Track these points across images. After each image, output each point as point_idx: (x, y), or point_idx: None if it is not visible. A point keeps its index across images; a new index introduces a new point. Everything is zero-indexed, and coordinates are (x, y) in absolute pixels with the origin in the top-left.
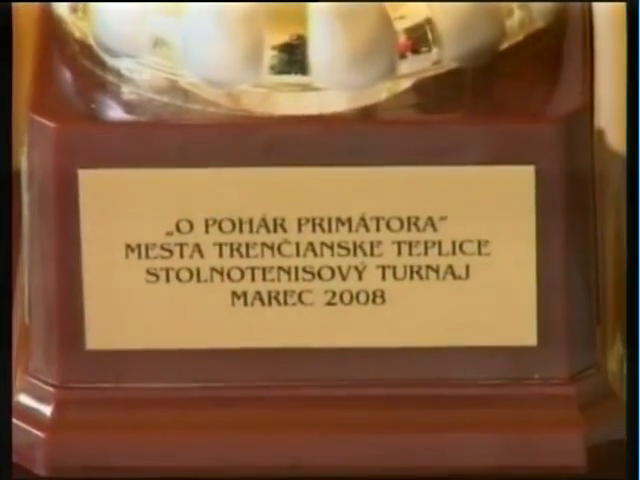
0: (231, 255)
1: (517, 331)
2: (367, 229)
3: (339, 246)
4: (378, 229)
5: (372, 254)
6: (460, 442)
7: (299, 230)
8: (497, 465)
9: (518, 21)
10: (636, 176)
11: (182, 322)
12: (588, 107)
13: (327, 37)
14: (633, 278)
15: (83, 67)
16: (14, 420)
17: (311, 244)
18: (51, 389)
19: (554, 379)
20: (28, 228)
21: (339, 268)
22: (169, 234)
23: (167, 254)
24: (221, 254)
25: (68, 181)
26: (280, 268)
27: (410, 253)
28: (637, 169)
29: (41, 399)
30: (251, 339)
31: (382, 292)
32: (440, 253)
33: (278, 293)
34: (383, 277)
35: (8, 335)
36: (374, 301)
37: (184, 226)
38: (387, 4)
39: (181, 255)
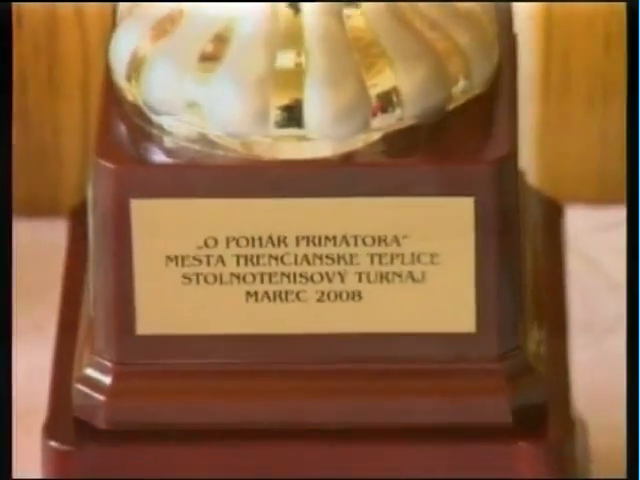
0: (245, 264)
1: (460, 321)
2: (347, 244)
3: (326, 257)
4: (356, 244)
5: (351, 263)
6: (415, 404)
7: (297, 245)
8: (443, 422)
9: (462, 88)
10: (636, 176)
11: (209, 314)
12: (514, 153)
13: (318, 100)
14: (633, 278)
15: (135, 122)
16: (82, 387)
17: (305, 255)
18: (110, 364)
19: (487, 357)
20: (92, 245)
21: (326, 273)
22: (199, 248)
23: (197, 263)
24: (238, 263)
25: (123, 208)
26: (282, 273)
27: (380, 262)
28: (637, 168)
29: (102, 372)
30: (260, 327)
31: (359, 292)
32: (402, 263)
33: (281, 292)
34: (360, 280)
35: (8, 336)
36: (353, 299)
37: (210, 242)
38: (364, 74)
39: (208, 264)
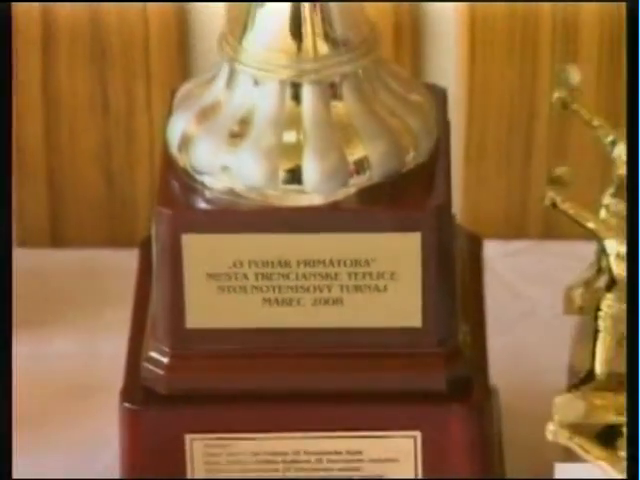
0: (262, 279)
1: (411, 319)
2: (333, 266)
3: (318, 274)
4: (339, 266)
5: (335, 279)
6: (380, 376)
7: (297, 266)
8: (399, 388)
9: (412, 157)
10: (636, 176)
11: (236, 314)
12: (448, 202)
13: (312, 166)
14: (633, 279)
15: (184, 181)
16: (148, 365)
17: (304, 273)
18: (167, 349)
19: (429, 344)
20: (155, 266)
21: (318, 286)
22: (229, 268)
23: (228, 278)
24: (257, 279)
25: (176, 240)
26: (288, 286)
27: (355, 278)
28: (637, 168)
29: (162, 354)
30: (272, 323)
31: (341, 299)
32: (371, 279)
33: (286, 299)
34: (341, 291)
35: (8, 337)
36: (336, 304)
37: (237, 264)
38: (344, 147)
39: (236, 279)
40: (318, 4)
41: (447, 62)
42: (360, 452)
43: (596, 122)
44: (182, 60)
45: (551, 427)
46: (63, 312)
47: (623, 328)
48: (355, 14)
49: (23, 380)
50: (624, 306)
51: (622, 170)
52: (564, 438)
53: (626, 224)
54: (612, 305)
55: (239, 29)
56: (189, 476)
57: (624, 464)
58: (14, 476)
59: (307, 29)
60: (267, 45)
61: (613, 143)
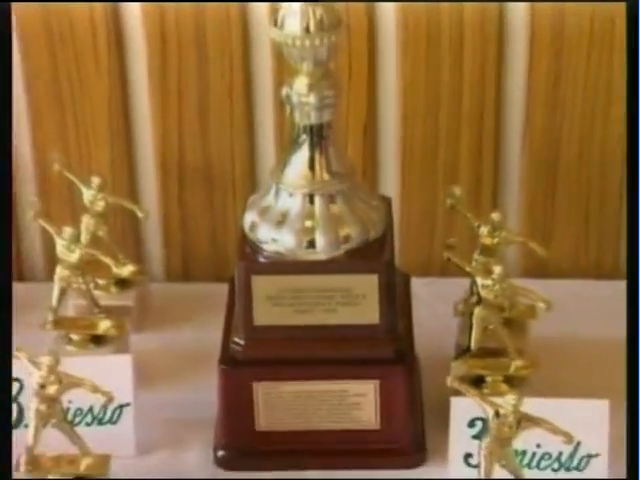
0: (293, 298)
1: (373, 319)
2: (331, 291)
3: (323, 296)
4: (334, 291)
5: (332, 298)
6: (351, 351)
7: (312, 291)
8: (365, 356)
9: (373, 234)
10: (636, 176)
11: (283, 316)
12: (393, 258)
13: (321, 240)
14: (633, 280)
15: (252, 245)
16: (233, 345)
17: (316, 296)
18: (243, 336)
19: (383, 332)
20: (237, 293)
21: (323, 302)
22: (277, 292)
23: (276, 298)
24: (291, 298)
25: (248, 279)
26: (307, 302)
27: (343, 298)
28: (637, 168)
29: (240, 339)
30: (299, 322)
31: (336, 309)
32: (352, 298)
33: (306, 310)
34: (336, 305)
35: (8, 338)
36: (333, 312)
37: (281, 291)
38: (338, 230)
39: (280, 298)
40: (324, 153)
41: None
42: (346, 391)
43: (469, 215)
44: None
45: (449, 379)
46: (196, 315)
47: (486, 324)
48: (343, 158)
49: (166, 353)
50: (485, 312)
51: (483, 240)
52: (456, 384)
53: (626, 224)
54: (480, 312)
55: (280, 166)
56: (255, 405)
57: (488, 398)
58: None
59: (317, 167)
60: (295, 175)
61: (478, 227)
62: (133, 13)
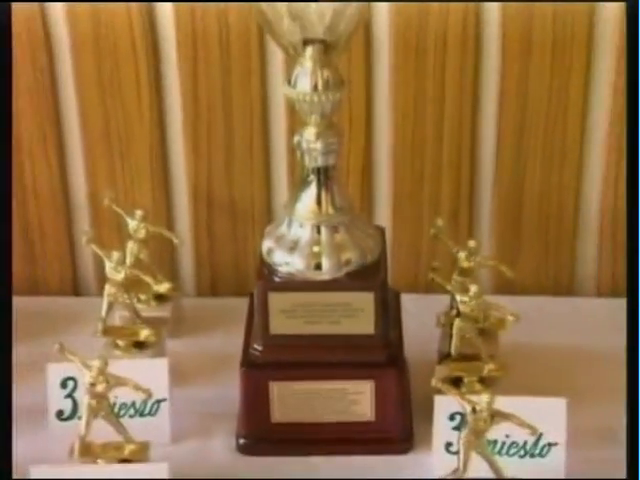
0: (304, 312)
1: (369, 329)
2: (335, 305)
3: (328, 310)
4: (337, 305)
5: (336, 312)
6: (349, 354)
7: (319, 305)
8: (362, 360)
9: (370, 258)
10: (636, 176)
11: (293, 327)
12: (386, 277)
13: (326, 263)
14: (633, 281)
15: (269, 268)
16: (253, 352)
17: (322, 309)
18: (261, 343)
19: (378, 339)
20: (255, 306)
21: (328, 315)
22: (290, 307)
23: (289, 311)
24: (302, 311)
25: (265, 294)
26: (315, 315)
27: (344, 311)
28: (637, 167)
29: (259, 345)
30: (308, 332)
31: (339, 321)
32: (352, 311)
33: (314, 321)
34: (339, 317)
35: (8, 338)
36: (336, 323)
37: (293, 305)
38: (340, 254)
39: (293, 311)
40: (329, 191)
41: None
42: (347, 389)
43: (450, 243)
44: None
45: (434, 380)
46: (221, 325)
47: (464, 333)
48: (345, 195)
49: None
50: (463, 323)
51: (461, 264)
52: (439, 384)
53: (626, 225)
54: (459, 323)
55: (292, 201)
56: (270, 401)
57: (466, 396)
58: None
59: (323, 202)
60: (305, 209)
61: (457, 252)
62: (170, 73)
